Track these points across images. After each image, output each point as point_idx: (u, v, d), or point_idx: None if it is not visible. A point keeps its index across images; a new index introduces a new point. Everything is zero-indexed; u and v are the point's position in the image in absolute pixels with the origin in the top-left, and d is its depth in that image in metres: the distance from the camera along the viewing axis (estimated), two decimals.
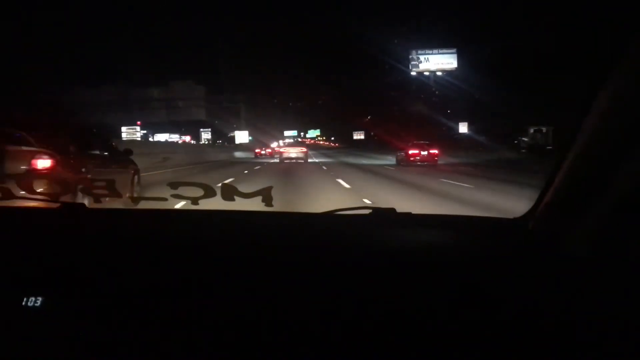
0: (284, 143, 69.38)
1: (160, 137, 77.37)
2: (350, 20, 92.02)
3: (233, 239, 1.64)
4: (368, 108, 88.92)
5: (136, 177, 8.95)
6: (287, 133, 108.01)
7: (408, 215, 1.88)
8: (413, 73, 67.10)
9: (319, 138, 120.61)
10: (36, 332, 1.13)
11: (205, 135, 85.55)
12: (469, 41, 62.78)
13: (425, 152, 29.11)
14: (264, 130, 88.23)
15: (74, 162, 6.71)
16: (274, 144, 68.87)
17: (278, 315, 1.13)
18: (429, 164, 27.06)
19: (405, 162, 28.93)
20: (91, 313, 1.15)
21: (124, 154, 8.68)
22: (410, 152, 29.72)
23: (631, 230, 1.20)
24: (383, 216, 1.86)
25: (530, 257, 1.39)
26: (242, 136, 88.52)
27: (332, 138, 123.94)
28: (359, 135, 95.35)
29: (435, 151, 29.19)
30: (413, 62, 66.03)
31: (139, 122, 70.86)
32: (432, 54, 65.73)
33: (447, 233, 1.71)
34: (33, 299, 1.17)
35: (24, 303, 1.16)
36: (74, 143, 7.21)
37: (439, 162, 28.47)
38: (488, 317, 1.11)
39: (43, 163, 6.14)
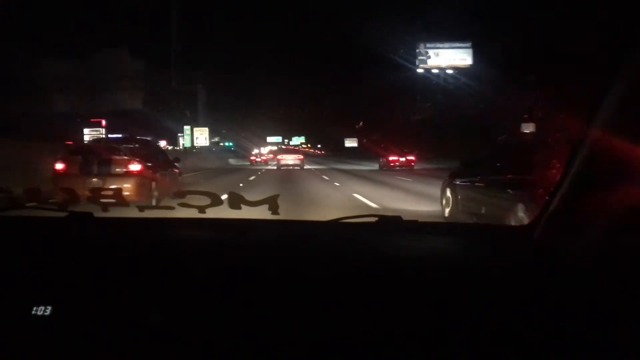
0: (271, 150, 71.84)
1: None
2: (345, 6, 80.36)
3: (241, 247, 1.67)
4: (363, 112, 79.01)
5: (180, 177, 12.88)
6: (270, 139, 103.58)
7: (414, 222, 1.96)
8: (420, 70, 58.78)
9: (303, 145, 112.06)
10: (45, 341, 1.15)
11: (183, 141, 72.05)
12: (487, 35, 53.76)
13: (404, 159, 35.80)
14: (240, 133, 77.18)
15: (151, 167, 10.60)
16: (255, 151, 68.20)
17: (287, 324, 1.16)
18: (406, 169, 32.65)
19: (386, 167, 34.98)
20: (100, 322, 1.17)
21: (174, 161, 12.67)
22: (390, 158, 36.43)
23: (637, 240, 1.25)
24: (389, 224, 1.92)
25: (535, 266, 1.43)
26: (199, 135, 67.26)
27: (319, 145, 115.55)
28: (351, 143, 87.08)
29: (412, 157, 35.88)
30: (420, 57, 57.88)
31: (103, 123, 58.34)
32: (443, 48, 58.22)
33: (453, 241, 1.78)
34: (42, 308, 1.19)
35: (33, 312, 1.18)
36: (150, 154, 11.51)
37: (416, 167, 34.33)
38: (494, 325, 1.14)
39: (134, 167, 10.05)
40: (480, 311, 1.17)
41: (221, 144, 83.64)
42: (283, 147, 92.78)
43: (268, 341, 1.11)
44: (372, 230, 1.90)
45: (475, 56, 55.84)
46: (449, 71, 57.42)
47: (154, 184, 10.41)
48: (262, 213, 1.87)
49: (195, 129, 67.78)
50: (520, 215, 6.19)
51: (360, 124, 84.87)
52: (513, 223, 6.09)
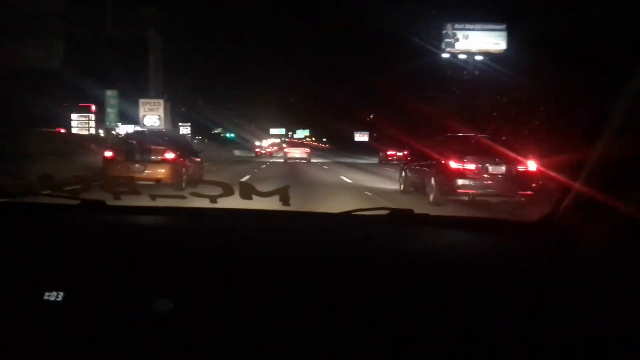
0: (274, 143, 70.82)
1: (125, 128, 58.36)
2: None
3: (252, 238, 1.70)
4: (376, 103, 72.75)
5: (202, 165, 15.38)
6: (273, 131, 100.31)
7: (426, 216, 1.98)
8: (445, 55, 52.02)
9: (308, 138, 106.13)
10: (56, 327, 1.18)
11: (184, 131, 59.53)
12: (525, 16, 47.67)
13: (401, 153, 39.78)
14: (240, 124, 70.30)
15: (182, 155, 12.61)
16: (256, 143, 66.18)
17: (298, 317, 1.17)
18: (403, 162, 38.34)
19: (384, 161, 39.96)
20: (110, 309, 1.20)
21: (197, 152, 15.10)
22: (388, 152, 42.12)
23: None
24: (401, 217, 1.96)
25: (550, 260, 1.45)
26: (148, 111, 42.58)
27: (324, 139, 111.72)
28: (362, 137, 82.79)
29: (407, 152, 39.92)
30: (447, 40, 51.61)
31: (93, 108, 50.93)
32: (473, 29, 52.12)
33: (466, 235, 1.83)
34: (54, 293, 1.22)
35: (45, 297, 1.21)
36: (180, 144, 14.05)
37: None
38: (510, 320, 1.16)
39: (169, 155, 12.04)
40: (497, 305, 1.19)
41: (222, 135, 78.55)
42: (287, 139, 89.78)
43: (278, 334, 1.12)
44: (383, 223, 1.94)
45: (511, 40, 50.31)
46: (478, 57, 51.50)
47: (184, 169, 12.43)
48: (273, 204, 1.91)
49: (142, 101, 43.05)
50: (432, 184, 11.04)
51: (371, 116, 78.55)
52: (428, 190, 11.23)
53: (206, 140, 61.58)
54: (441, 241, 1.71)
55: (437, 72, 55.12)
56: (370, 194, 13.15)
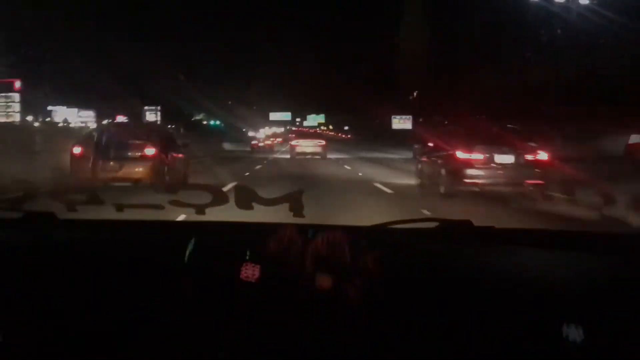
0: (275, 133, 67.21)
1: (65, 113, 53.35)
2: None
3: (253, 261, 1.45)
4: (423, 76, 56.27)
5: (188, 163, 14.78)
6: (274, 116, 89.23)
7: (490, 229, 1.70)
8: None
9: (322, 127, 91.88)
10: None
11: (151, 116, 53.84)
12: None
13: None
14: (231, 108, 61.71)
15: (164, 151, 11.92)
16: (250, 133, 56.32)
17: None
18: None
19: (420, 156, 42.14)
20: (58, 351, 1.09)
21: (183, 147, 14.22)
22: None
23: None
24: (454, 232, 1.68)
25: None
26: None
27: (346, 127, 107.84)
28: (402, 123, 71.53)
29: None
30: None
31: (17, 85, 43.51)
32: None
33: (547, 255, 1.59)
34: None
35: None
36: (162, 139, 12.98)
37: None
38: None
39: (149, 151, 11.13)
40: (597, 346, 1.06)
41: (204, 122, 71.60)
42: (294, 128, 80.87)
43: None
44: (431, 240, 1.71)
45: None
46: (584, 1, 37.68)
47: (166, 168, 11.94)
48: (280, 214, 1.69)
49: None
50: (443, 174, 11.67)
51: (415, 94, 61.63)
52: (440, 182, 11.81)
53: (182, 129, 52.65)
54: (515, 264, 1.47)
55: (520, 24, 43.19)
56: (389, 190, 13.77)
